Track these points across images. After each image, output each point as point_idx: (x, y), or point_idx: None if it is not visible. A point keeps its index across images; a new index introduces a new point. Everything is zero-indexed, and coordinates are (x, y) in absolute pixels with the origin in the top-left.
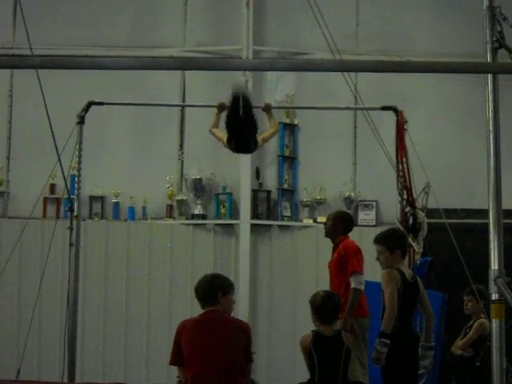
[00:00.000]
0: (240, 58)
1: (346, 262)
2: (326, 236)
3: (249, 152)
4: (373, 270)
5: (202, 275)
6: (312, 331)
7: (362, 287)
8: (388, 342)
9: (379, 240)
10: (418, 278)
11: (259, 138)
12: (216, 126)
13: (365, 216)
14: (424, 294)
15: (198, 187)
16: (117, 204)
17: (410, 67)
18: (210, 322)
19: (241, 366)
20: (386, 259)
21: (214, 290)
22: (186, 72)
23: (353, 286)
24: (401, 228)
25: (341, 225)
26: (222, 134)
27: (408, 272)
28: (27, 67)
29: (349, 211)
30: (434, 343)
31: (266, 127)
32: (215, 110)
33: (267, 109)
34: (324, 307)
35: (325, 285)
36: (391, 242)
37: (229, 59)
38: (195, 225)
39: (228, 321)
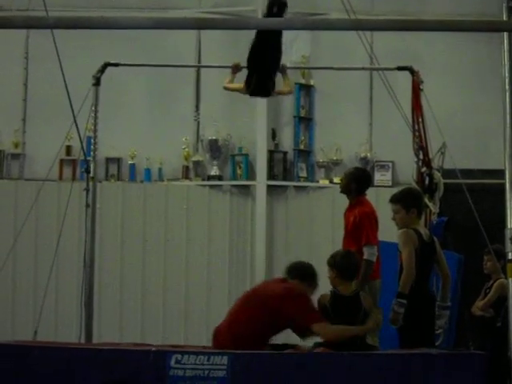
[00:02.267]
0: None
1: (360, 231)
2: (340, 192)
3: (266, 94)
4: (388, 231)
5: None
6: (330, 291)
7: (375, 258)
8: (405, 302)
9: (395, 199)
10: (435, 238)
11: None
12: (231, 82)
13: (381, 176)
14: (441, 254)
15: (214, 148)
16: (133, 165)
17: (425, 26)
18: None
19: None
20: (401, 219)
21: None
22: (202, 33)
23: (365, 257)
24: (417, 188)
25: (352, 185)
26: (238, 85)
27: (425, 232)
28: (42, 27)
29: (364, 168)
30: (450, 303)
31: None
32: (230, 71)
33: (283, 70)
34: (346, 263)
35: (340, 245)
36: (407, 201)
37: (245, 18)
38: (211, 186)
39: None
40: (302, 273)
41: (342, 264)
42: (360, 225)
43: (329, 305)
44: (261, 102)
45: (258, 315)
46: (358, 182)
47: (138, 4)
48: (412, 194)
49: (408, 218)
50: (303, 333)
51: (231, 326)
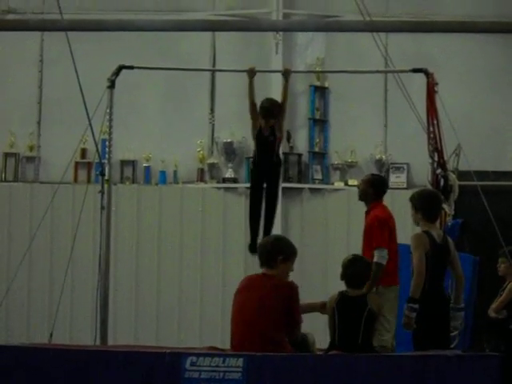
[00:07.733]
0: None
1: (372, 235)
2: (359, 199)
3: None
4: (405, 233)
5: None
6: (339, 292)
7: (384, 261)
8: (416, 306)
9: (410, 197)
10: (450, 240)
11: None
12: (253, 94)
13: (396, 179)
14: (455, 255)
15: (229, 151)
16: (148, 168)
17: (439, 27)
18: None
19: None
20: (412, 216)
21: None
22: (216, 36)
23: (375, 260)
24: (435, 191)
25: (369, 190)
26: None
27: (438, 234)
28: (57, 29)
29: (381, 174)
30: (464, 305)
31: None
32: (246, 75)
33: (286, 73)
34: (347, 271)
35: (355, 248)
36: (415, 202)
37: (259, 20)
38: (226, 188)
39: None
40: None
41: (344, 272)
42: (372, 229)
43: (335, 304)
44: None
45: None
46: (375, 188)
47: (152, 7)
48: (422, 197)
49: (415, 217)
50: None
51: None
